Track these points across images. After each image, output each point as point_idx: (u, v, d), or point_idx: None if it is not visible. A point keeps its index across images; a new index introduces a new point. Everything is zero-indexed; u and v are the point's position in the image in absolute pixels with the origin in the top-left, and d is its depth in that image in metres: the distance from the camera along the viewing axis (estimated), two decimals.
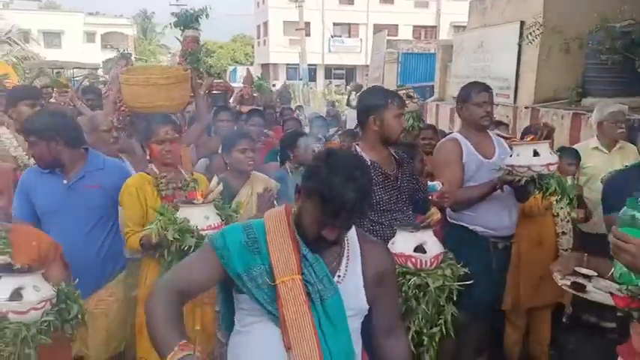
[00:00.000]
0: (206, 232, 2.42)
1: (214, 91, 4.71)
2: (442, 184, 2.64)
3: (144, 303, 1.56)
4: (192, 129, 3.97)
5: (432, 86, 13.38)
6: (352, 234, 1.67)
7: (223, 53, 38.97)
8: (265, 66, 38.03)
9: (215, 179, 2.70)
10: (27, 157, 3.35)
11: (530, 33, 6.88)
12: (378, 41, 18.77)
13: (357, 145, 2.65)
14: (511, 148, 2.91)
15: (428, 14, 35.63)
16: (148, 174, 2.77)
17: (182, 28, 4.50)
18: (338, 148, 1.63)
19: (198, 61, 4.42)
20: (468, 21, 10.91)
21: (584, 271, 1.78)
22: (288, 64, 35.50)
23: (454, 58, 11.22)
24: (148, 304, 1.50)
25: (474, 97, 2.96)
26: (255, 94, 6.39)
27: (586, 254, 1.82)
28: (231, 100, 5.85)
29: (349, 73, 36.32)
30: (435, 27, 35.87)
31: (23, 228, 2.24)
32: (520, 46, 8.23)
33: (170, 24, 4.64)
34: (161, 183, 2.75)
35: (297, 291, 1.51)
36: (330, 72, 36.00)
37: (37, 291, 1.87)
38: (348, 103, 12.10)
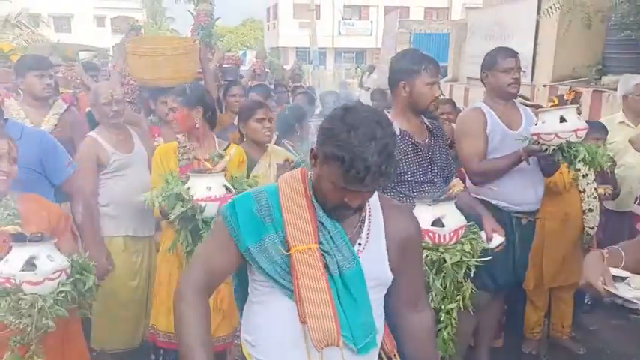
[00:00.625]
0: (205, 202, 2.39)
1: (225, 65, 4.58)
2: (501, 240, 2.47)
3: (173, 304, 1.48)
4: None
5: (445, 67, 13.15)
6: (374, 198, 1.52)
7: (233, 38, 38.73)
8: (275, 50, 37.73)
9: (233, 149, 2.64)
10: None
11: (550, 7, 6.63)
12: (389, 22, 18.47)
13: (388, 112, 2.51)
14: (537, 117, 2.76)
15: None
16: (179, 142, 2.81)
17: (195, 2, 4.41)
18: (356, 103, 1.45)
19: (210, 36, 4.33)
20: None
21: (614, 271, 1.56)
22: (297, 48, 35.19)
23: (468, 37, 11.00)
24: (177, 309, 1.44)
25: (501, 62, 2.80)
26: (267, 70, 6.24)
27: (605, 250, 1.60)
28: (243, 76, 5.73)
29: (359, 56, 35.97)
30: (447, 8, 35.32)
31: (32, 197, 2.16)
32: (538, 23, 8.02)
33: None
34: (180, 153, 2.76)
35: (314, 261, 1.39)
36: (340, 55, 35.69)
37: (52, 260, 1.81)
38: (361, 85, 11.95)
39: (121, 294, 3.08)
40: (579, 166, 2.76)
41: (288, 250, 1.40)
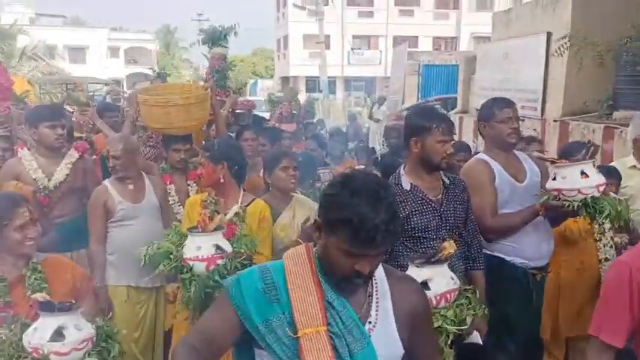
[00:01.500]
0: (192, 262, 2.44)
1: (238, 110, 4.58)
2: None
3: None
4: None
5: (455, 98, 13.20)
6: (379, 271, 1.50)
7: (244, 66, 39.28)
8: (285, 79, 38.14)
9: (234, 209, 2.68)
10: (47, 179, 3.29)
11: (561, 46, 6.67)
12: (398, 53, 18.63)
13: (403, 166, 2.54)
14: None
15: (448, 25, 35.42)
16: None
17: (210, 44, 4.45)
18: (352, 170, 1.46)
19: (225, 79, 4.36)
20: (492, 32, 10.75)
21: None
22: (307, 77, 35.57)
23: (478, 69, 11.05)
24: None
25: (497, 113, 2.79)
26: (294, 112, 6.18)
27: None
28: (270, 119, 5.67)
29: (369, 84, 36.19)
30: (455, 38, 35.63)
31: (56, 259, 2.24)
32: (547, 57, 8.06)
33: (198, 41, 4.61)
34: (202, 206, 2.81)
35: (322, 345, 1.35)
36: (349, 84, 35.98)
37: (79, 330, 1.84)
38: (371, 117, 12.01)
39: (122, 345, 3.04)
40: (604, 220, 2.70)
41: (296, 332, 1.37)
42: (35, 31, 26.06)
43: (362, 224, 1.28)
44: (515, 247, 2.72)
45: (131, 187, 3.19)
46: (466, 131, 10.56)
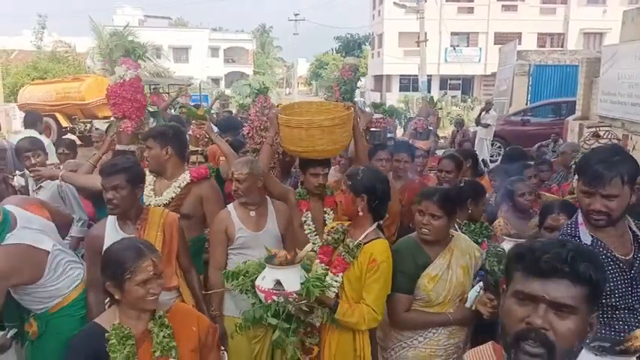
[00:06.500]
0: (256, 290, 2.45)
1: (373, 129, 4.27)
2: None
3: None
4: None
5: (571, 102, 12.27)
6: None
7: (336, 64, 39.42)
8: (378, 77, 37.81)
9: (307, 247, 2.59)
10: (153, 198, 3.22)
11: None
12: (506, 52, 17.67)
13: (581, 212, 2.04)
14: None
15: (555, 21, 33.26)
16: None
17: (343, 54, 4.25)
18: None
19: (352, 92, 4.08)
20: (622, 31, 9.83)
21: None
22: (401, 75, 34.97)
23: (603, 72, 10.15)
24: None
25: None
26: (430, 128, 5.70)
27: None
28: (405, 135, 5.29)
29: (466, 83, 34.98)
30: (562, 34, 33.43)
31: (183, 310, 2.12)
32: None
33: (332, 49, 4.46)
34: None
35: None
36: (445, 82, 34.92)
37: None
38: (478, 122, 11.42)
39: None
40: None
41: None
42: (143, 32, 27.60)
43: None
44: None
45: (253, 213, 3.04)
46: None
